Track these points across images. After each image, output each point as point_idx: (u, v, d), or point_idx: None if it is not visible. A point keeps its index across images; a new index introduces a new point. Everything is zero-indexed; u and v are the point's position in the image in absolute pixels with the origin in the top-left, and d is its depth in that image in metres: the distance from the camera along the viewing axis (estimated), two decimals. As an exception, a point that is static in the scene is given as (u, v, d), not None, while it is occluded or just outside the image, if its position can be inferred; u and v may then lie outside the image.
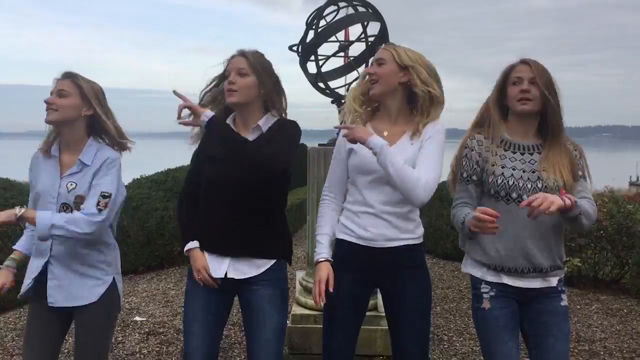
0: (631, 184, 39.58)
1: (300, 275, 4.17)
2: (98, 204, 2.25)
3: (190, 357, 2.31)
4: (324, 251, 2.41)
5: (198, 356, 2.30)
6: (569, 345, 2.30)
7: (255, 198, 2.28)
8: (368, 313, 3.80)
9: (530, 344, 2.33)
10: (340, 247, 2.43)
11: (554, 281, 2.29)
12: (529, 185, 2.24)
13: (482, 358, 3.93)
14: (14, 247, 2.49)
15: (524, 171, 2.27)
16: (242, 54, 2.34)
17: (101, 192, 2.27)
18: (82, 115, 2.35)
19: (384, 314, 3.85)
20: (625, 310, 5.27)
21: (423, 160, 2.27)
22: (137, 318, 4.87)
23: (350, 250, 2.38)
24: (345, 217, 2.43)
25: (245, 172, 2.23)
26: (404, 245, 2.35)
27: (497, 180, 2.27)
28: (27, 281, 2.37)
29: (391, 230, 2.33)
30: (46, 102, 2.32)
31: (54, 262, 2.32)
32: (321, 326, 3.68)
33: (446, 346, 4.32)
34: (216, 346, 2.38)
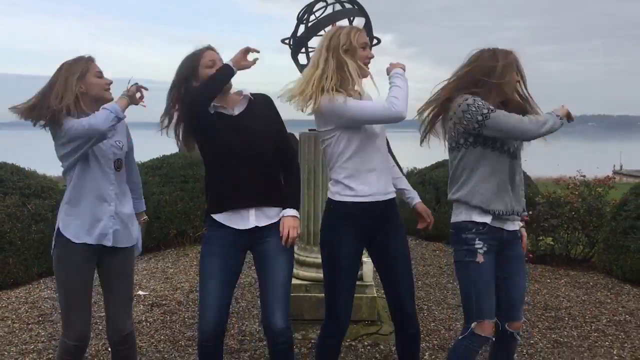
0: (615, 172, 40.07)
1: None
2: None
3: (208, 309, 2.69)
4: None
5: (215, 309, 2.69)
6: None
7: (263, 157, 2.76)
8: (354, 282, 4.21)
9: (499, 285, 2.77)
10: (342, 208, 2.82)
11: (518, 224, 2.83)
12: None
13: (456, 324, 4.38)
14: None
15: None
16: (211, 47, 2.81)
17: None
18: None
19: (368, 283, 4.29)
20: (591, 284, 5.71)
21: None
22: (141, 292, 5.23)
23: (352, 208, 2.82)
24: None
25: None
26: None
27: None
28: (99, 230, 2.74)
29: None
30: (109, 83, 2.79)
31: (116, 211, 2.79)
32: (312, 294, 4.13)
33: (426, 314, 4.73)
34: (230, 298, 2.78)
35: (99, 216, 2.73)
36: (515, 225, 2.81)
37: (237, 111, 2.78)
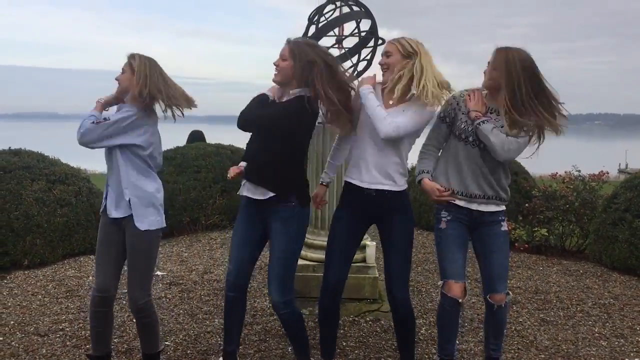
0: (620, 171, 40.09)
1: (301, 234, 4.90)
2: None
3: (231, 261, 3.19)
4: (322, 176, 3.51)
5: (236, 261, 3.18)
6: (508, 260, 3.18)
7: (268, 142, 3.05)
8: (358, 264, 4.58)
9: (480, 260, 3.17)
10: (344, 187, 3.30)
11: (493, 207, 3.12)
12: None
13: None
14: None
15: None
16: (287, 41, 3.03)
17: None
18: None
19: (371, 265, 4.65)
20: (581, 271, 6.05)
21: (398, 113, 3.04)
22: (159, 272, 5.60)
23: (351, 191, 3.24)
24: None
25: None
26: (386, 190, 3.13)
27: (460, 125, 3.10)
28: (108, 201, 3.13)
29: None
30: None
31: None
32: (318, 274, 4.50)
33: (424, 295, 5.10)
34: (250, 258, 3.23)
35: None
36: (484, 207, 3.11)
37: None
